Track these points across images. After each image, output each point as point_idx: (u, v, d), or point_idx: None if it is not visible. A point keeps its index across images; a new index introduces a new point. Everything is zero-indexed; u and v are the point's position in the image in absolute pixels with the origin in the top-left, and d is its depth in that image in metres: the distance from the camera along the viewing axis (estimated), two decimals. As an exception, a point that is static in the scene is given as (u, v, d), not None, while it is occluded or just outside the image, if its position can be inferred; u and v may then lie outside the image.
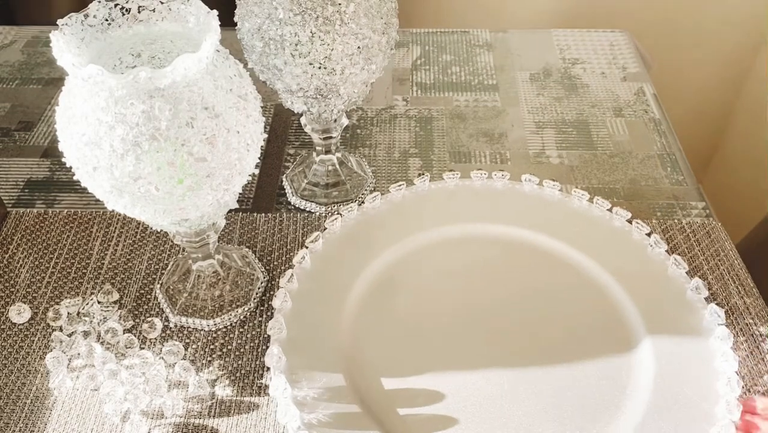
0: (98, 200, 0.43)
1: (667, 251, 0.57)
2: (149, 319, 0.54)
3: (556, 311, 0.54)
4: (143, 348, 0.52)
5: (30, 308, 0.55)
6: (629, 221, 0.59)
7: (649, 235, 0.57)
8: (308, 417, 0.47)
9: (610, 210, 0.59)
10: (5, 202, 0.64)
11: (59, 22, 0.40)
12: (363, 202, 0.60)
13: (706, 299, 0.53)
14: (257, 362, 0.52)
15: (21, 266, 0.58)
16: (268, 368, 0.50)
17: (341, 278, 0.55)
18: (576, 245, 0.57)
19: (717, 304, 0.54)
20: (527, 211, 0.60)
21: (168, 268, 0.57)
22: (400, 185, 0.61)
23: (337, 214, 0.59)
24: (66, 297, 0.56)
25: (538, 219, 0.59)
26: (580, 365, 0.50)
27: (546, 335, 0.52)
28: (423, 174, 0.62)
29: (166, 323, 0.54)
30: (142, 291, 0.56)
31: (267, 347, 0.51)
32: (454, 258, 0.58)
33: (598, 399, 0.48)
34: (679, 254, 0.58)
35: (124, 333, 0.53)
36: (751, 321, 0.54)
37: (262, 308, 0.55)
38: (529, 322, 0.53)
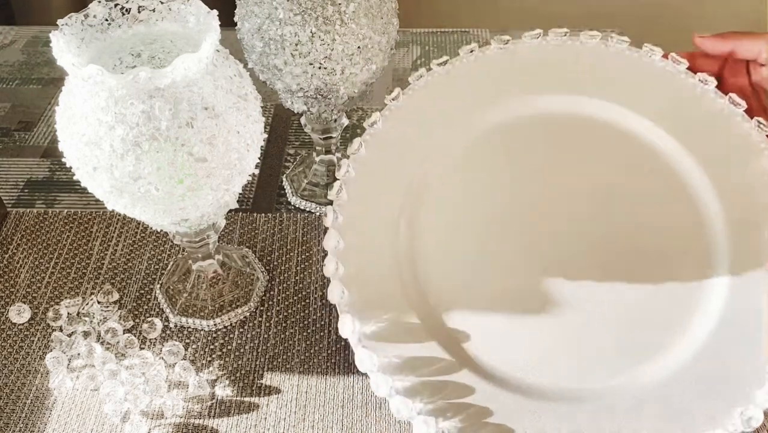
0: (98, 200, 0.43)
1: None
2: (149, 319, 0.54)
3: (637, 206, 0.49)
4: (143, 348, 0.52)
5: (30, 308, 0.55)
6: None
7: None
8: (368, 329, 0.46)
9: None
10: (5, 202, 0.64)
11: (59, 22, 0.40)
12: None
13: None
14: (257, 362, 0.52)
15: (21, 266, 0.58)
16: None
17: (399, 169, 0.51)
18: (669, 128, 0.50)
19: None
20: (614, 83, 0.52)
21: (168, 268, 0.57)
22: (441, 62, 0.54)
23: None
24: (66, 297, 0.56)
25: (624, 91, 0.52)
26: (652, 272, 0.47)
27: (621, 234, 0.49)
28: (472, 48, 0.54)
29: (166, 323, 0.54)
30: (142, 291, 0.56)
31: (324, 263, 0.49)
32: (528, 139, 0.52)
33: (664, 315, 0.46)
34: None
35: (124, 333, 0.53)
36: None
37: (262, 308, 0.55)
38: (601, 214, 0.50)
